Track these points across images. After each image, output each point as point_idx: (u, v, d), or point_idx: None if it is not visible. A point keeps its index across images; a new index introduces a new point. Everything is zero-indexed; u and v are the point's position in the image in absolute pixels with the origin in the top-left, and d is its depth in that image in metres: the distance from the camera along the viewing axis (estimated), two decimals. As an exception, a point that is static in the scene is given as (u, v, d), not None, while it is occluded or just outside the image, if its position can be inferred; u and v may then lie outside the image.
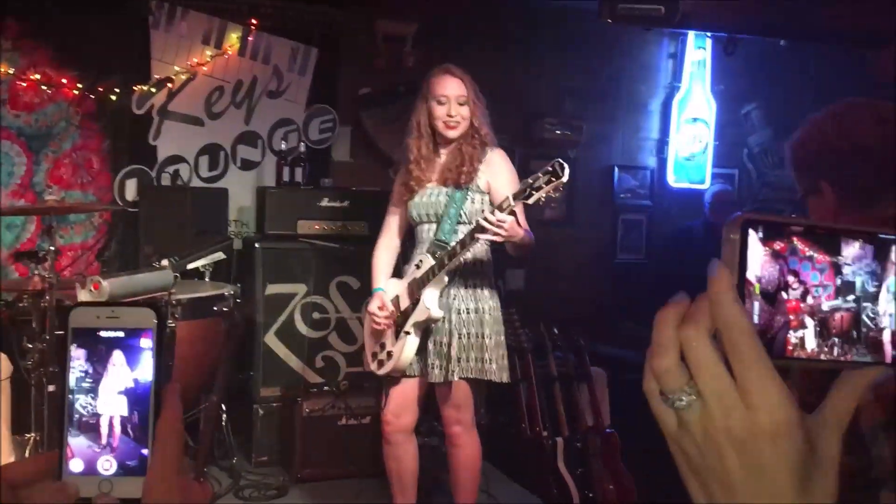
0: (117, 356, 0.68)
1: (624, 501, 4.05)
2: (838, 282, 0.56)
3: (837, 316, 0.56)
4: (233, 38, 4.68)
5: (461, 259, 2.92)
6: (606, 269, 5.71)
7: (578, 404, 4.28)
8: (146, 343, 0.68)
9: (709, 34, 5.72)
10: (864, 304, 0.56)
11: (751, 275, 0.53)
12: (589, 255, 5.66)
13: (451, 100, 3.03)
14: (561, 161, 2.64)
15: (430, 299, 2.96)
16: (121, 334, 0.69)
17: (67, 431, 0.67)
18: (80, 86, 4.38)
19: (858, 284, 0.56)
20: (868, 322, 0.56)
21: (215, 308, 3.56)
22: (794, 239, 0.55)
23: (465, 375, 2.97)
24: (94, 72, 4.40)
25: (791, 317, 0.54)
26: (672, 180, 5.84)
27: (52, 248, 3.20)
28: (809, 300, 0.55)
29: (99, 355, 0.68)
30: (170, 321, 3.27)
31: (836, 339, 0.55)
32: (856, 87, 5.74)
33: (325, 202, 4.39)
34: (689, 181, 5.85)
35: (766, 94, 5.95)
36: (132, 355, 0.68)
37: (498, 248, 3.04)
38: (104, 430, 0.67)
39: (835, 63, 5.74)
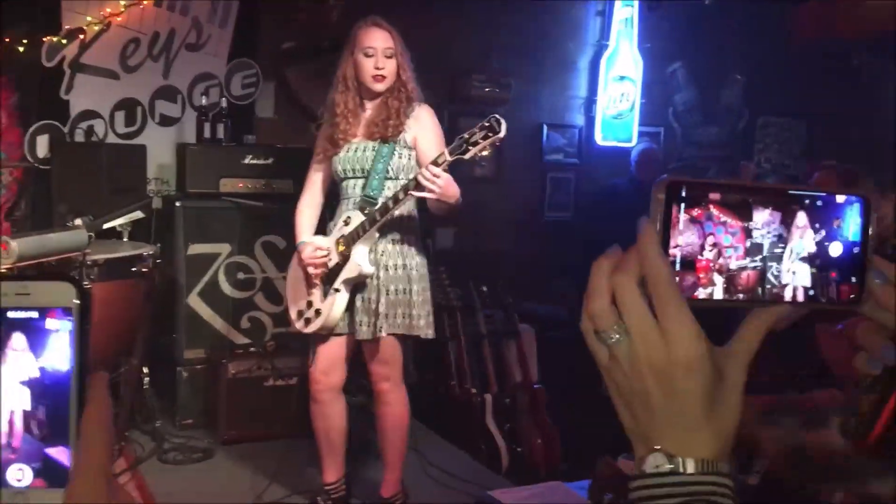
0: (17, 339, 0.58)
1: (550, 454, 4.12)
2: (748, 244, 0.63)
3: (744, 274, 0.63)
4: (149, -12, 4.47)
5: (391, 215, 2.89)
6: (535, 227, 5.73)
7: (507, 361, 4.32)
8: (53, 324, 0.58)
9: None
10: (770, 264, 0.64)
11: (679, 227, 0.62)
12: (517, 214, 5.67)
13: (379, 52, 2.97)
14: (497, 116, 2.65)
15: (361, 256, 2.92)
16: (33, 314, 0.58)
17: None
18: (-17, 36, 4.13)
19: (766, 246, 0.64)
20: (772, 279, 0.64)
21: (134, 269, 3.45)
22: (711, 206, 0.62)
23: (393, 331, 2.95)
24: (0, 21, 4.17)
25: (701, 275, 0.62)
26: (599, 139, 5.88)
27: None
28: (721, 260, 0.63)
29: None
30: (85, 282, 3.15)
31: (741, 295, 0.63)
32: (778, 45, 5.87)
33: (248, 159, 4.27)
34: (617, 139, 5.90)
35: (691, 52, 6.02)
36: (36, 338, 0.58)
37: (422, 206, 3.01)
38: (2, 427, 0.58)
39: (758, 20, 5.84)
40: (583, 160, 5.89)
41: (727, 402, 0.61)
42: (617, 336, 0.61)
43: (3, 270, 2.82)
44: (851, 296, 0.65)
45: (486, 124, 2.63)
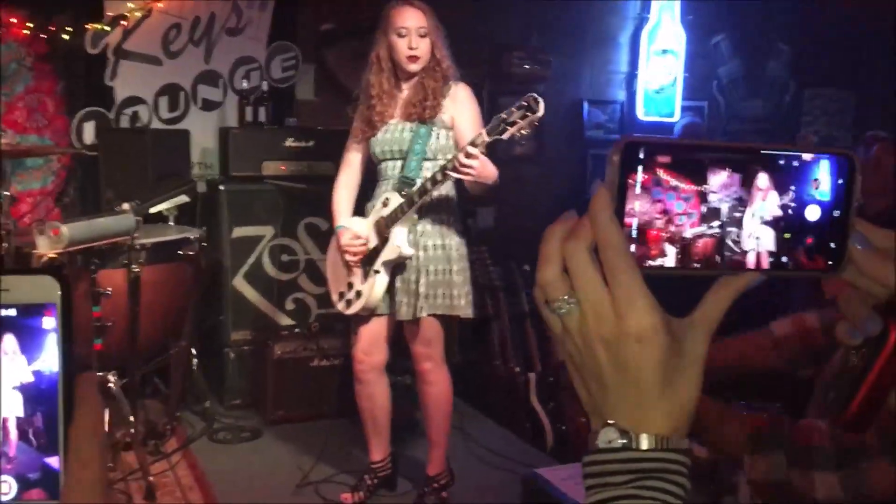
0: (8, 341, 0.54)
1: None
2: (703, 209, 0.59)
3: (700, 242, 0.59)
4: (189, -27, 4.50)
5: (429, 196, 2.88)
6: (577, 205, 5.67)
7: (550, 340, 4.30)
8: (49, 323, 0.54)
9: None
10: (729, 230, 0.59)
11: (636, 191, 0.57)
12: (559, 192, 5.62)
13: (412, 31, 2.95)
14: (535, 96, 2.61)
15: (400, 237, 2.93)
16: (12, 312, 0.54)
17: None
18: (30, 25, 4.20)
19: (724, 210, 0.59)
20: (732, 246, 0.59)
21: (180, 252, 3.49)
22: (660, 171, 0.57)
23: (433, 312, 2.96)
24: (44, 10, 4.23)
25: (651, 246, 0.58)
26: (641, 114, 5.79)
27: (7, 193, 3.11)
28: (672, 228, 0.58)
29: None
30: (134, 266, 3.20)
31: (697, 265, 0.59)
32: (826, 17, 5.71)
33: (289, 142, 4.30)
34: (659, 114, 5.81)
35: (735, 24, 5.88)
36: (29, 339, 0.54)
37: (461, 185, 2.99)
38: None
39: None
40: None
41: (685, 376, 0.58)
42: (567, 307, 0.58)
43: (51, 255, 2.88)
44: (829, 262, 0.61)
45: (524, 104, 2.60)
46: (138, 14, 4.42)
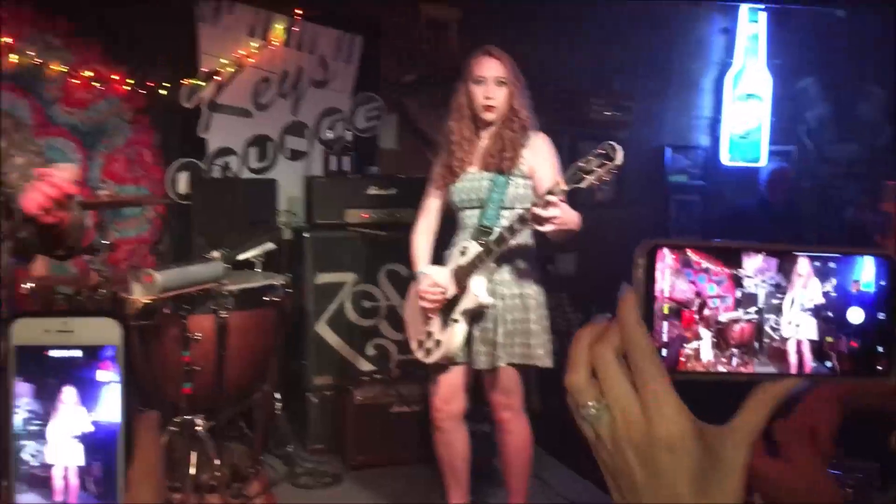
0: (68, 393, 0.55)
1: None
2: (738, 294, 0.57)
3: (737, 327, 0.57)
4: (278, 29, 4.69)
5: (507, 245, 2.89)
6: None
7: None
8: (104, 376, 0.55)
9: (762, 6, 5.56)
10: (767, 316, 0.57)
11: (664, 294, 0.57)
12: (640, 237, 5.53)
13: (489, 81, 2.99)
14: (613, 143, 2.58)
15: (479, 287, 2.94)
16: (77, 353, 0.55)
17: (14, 487, 0.55)
18: (130, 81, 4.44)
19: (761, 296, 0.57)
20: (771, 333, 0.57)
21: (266, 298, 3.58)
22: (688, 251, 0.57)
23: (511, 361, 2.95)
24: (143, 67, 4.47)
25: (685, 329, 0.57)
26: (726, 159, 5.70)
27: (106, 242, 3.26)
28: (706, 312, 0.57)
29: (47, 389, 0.54)
30: (222, 312, 3.30)
31: (735, 350, 0.57)
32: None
33: (372, 190, 4.39)
34: (745, 160, 5.71)
35: (824, 66, 5.76)
36: (87, 390, 0.55)
37: (540, 233, 2.98)
38: (57, 483, 0.55)
39: (894, 32, 5.52)
40: (708, 181, 5.72)
41: (722, 487, 0.55)
42: (596, 412, 0.57)
43: (144, 301, 3.00)
44: (878, 367, 0.57)
45: (602, 151, 2.57)
46: (231, 69, 4.63)
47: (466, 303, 2.95)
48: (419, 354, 3.11)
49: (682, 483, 0.55)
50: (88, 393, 0.55)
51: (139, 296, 2.99)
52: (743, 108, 5.68)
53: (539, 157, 3.00)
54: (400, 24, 4.95)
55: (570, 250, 5.02)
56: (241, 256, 3.78)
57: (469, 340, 3.01)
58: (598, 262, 5.33)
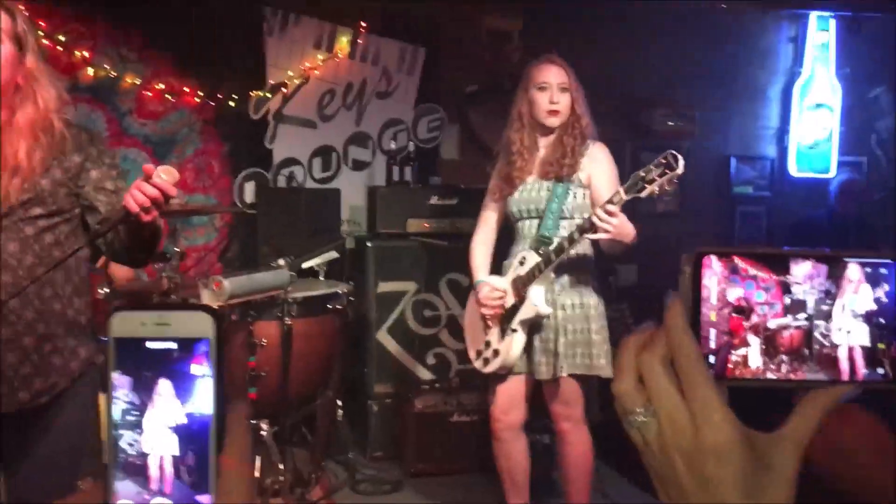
0: (163, 386, 0.57)
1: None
2: (787, 300, 0.57)
3: (786, 334, 0.57)
4: (343, 42, 4.78)
5: (566, 255, 2.88)
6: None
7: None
8: (198, 370, 0.57)
9: (832, 14, 5.44)
10: (817, 323, 0.57)
11: (712, 301, 0.57)
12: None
13: (553, 86, 3.00)
14: (674, 153, 2.57)
15: (538, 296, 2.93)
16: (172, 345, 0.57)
17: (113, 474, 0.57)
18: (200, 93, 4.57)
19: (810, 303, 0.57)
20: (821, 339, 0.57)
21: (329, 306, 3.63)
22: (735, 258, 0.57)
23: (573, 371, 2.94)
24: (213, 79, 4.59)
25: (733, 336, 0.57)
26: (794, 170, 5.58)
27: (177, 249, 3.36)
28: (754, 318, 0.57)
29: (144, 381, 0.57)
30: (287, 319, 3.36)
31: (785, 357, 0.57)
32: None
33: (434, 200, 4.43)
34: (814, 171, 5.58)
35: (895, 75, 5.60)
36: (182, 384, 0.57)
37: (598, 244, 2.96)
38: (153, 472, 0.57)
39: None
40: (775, 192, 5.61)
41: (771, 495, 0.55)
42: (643, 418, 0.58)
43: (216, 306, 3.07)
44: None
45: (663, 161, 2.56)
46: (297, 81, 4.73)
47: (525, 313, 2.95)
48: (477, 364, 3.12)
49: (729, 490, 0.55)
50: (183, 386, 0.57)
51: (208, 302, 3.07)
52: (812, 117, 5.56)
53: (597, 166, 2.99)
54: (461, 35, 4.99)
55: (623, 262, 4.97)
56: (306, 265, 3.84)
57: (529, 351, 3.01)
58: (659, 274, 5.27)
